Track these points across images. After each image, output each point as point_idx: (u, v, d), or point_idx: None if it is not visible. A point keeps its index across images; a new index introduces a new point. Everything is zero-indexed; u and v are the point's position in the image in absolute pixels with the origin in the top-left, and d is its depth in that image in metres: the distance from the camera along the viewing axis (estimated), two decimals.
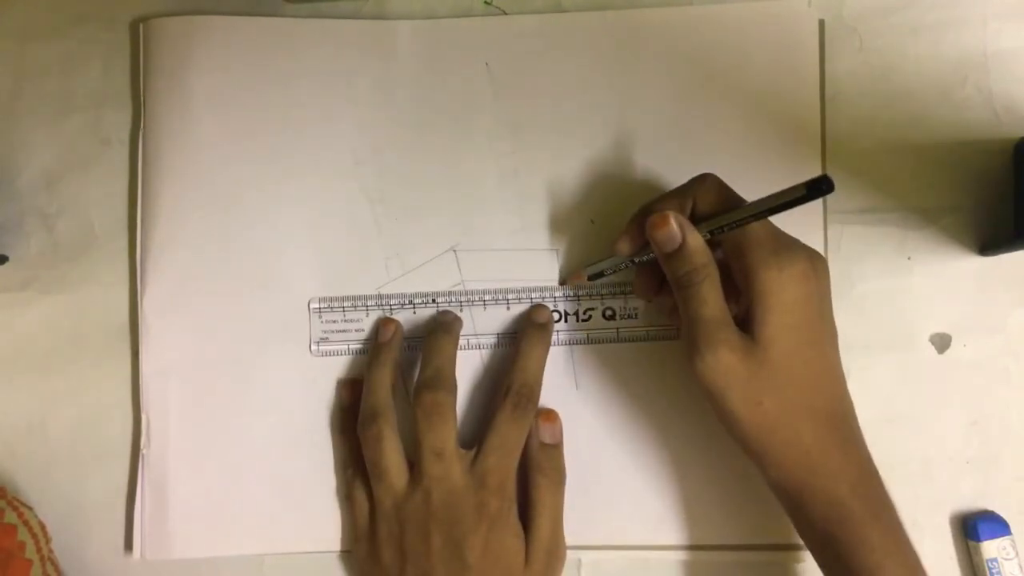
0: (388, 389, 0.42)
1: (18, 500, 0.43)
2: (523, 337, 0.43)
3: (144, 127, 0.45)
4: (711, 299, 0.37)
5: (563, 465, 0.43)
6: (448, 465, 0.40)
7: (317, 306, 0.44)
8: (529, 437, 0.42)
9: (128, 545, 0.44)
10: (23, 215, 0.46)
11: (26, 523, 0.42)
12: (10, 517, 0.42)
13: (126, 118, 0.46)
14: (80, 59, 0.46)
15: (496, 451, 0.41)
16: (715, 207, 0.38)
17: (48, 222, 0.46)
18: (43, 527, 0.43)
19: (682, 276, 0.37)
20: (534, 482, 0.42)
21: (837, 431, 0.37)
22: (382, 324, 0.44)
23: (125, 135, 0.46)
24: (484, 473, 0.40)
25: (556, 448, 0.43)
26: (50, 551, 0.43)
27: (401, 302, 0.44)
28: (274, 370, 0.44)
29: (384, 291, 0.44)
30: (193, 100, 0.45)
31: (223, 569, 0.44)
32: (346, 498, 0.44)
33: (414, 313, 0.44)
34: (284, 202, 0.45)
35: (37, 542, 0.42)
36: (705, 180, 0.39)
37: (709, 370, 0.36)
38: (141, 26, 0.45)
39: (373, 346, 0.44)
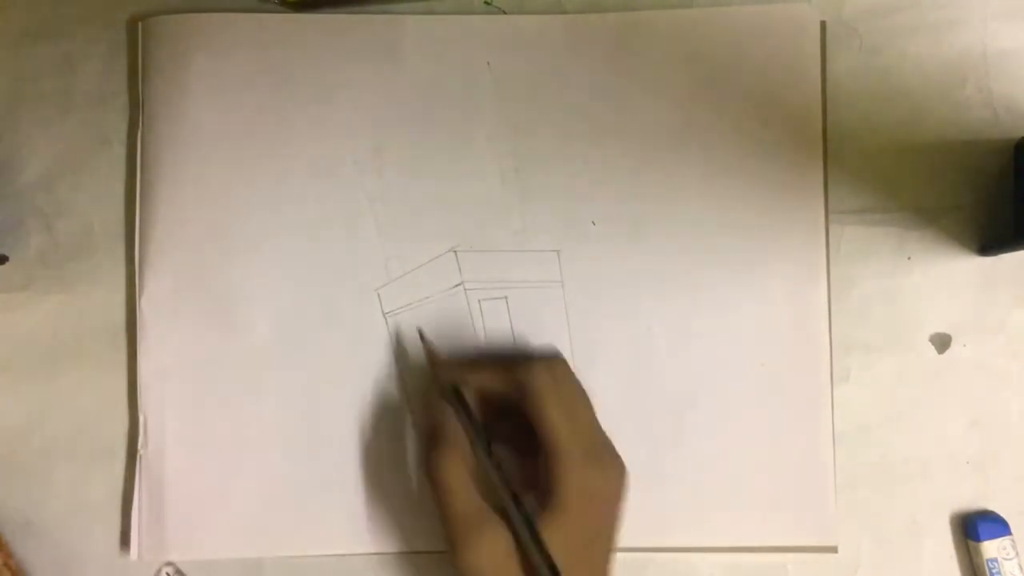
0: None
1: None
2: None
3: (143, 127, 0.45)
4: (463, 493, 0.35)
5: None
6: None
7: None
8: None
9: (125, 546, 0.44)
10: (23, 215, 0.46)
11: None
12: None
13: (125, 118, 0.46)
14: (80, 59, 0.46)
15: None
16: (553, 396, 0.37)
17: (48, 222, 0.46)
18: None
19: (429, 459, 0.36)
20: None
21: None
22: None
23: (124, 135, 0.46)
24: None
25: None
26: (7, 557, 0.43)
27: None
28: (272, 370, 0.44)
29: (384, 292, 0.44)
30: (192, 99, 0.45)
31: (223, 572, 0.44)
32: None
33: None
34: (283, 201, 0.45)
35: None
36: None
37: (471, 568, 0.34)
38: (140, 24, 0.45)
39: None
